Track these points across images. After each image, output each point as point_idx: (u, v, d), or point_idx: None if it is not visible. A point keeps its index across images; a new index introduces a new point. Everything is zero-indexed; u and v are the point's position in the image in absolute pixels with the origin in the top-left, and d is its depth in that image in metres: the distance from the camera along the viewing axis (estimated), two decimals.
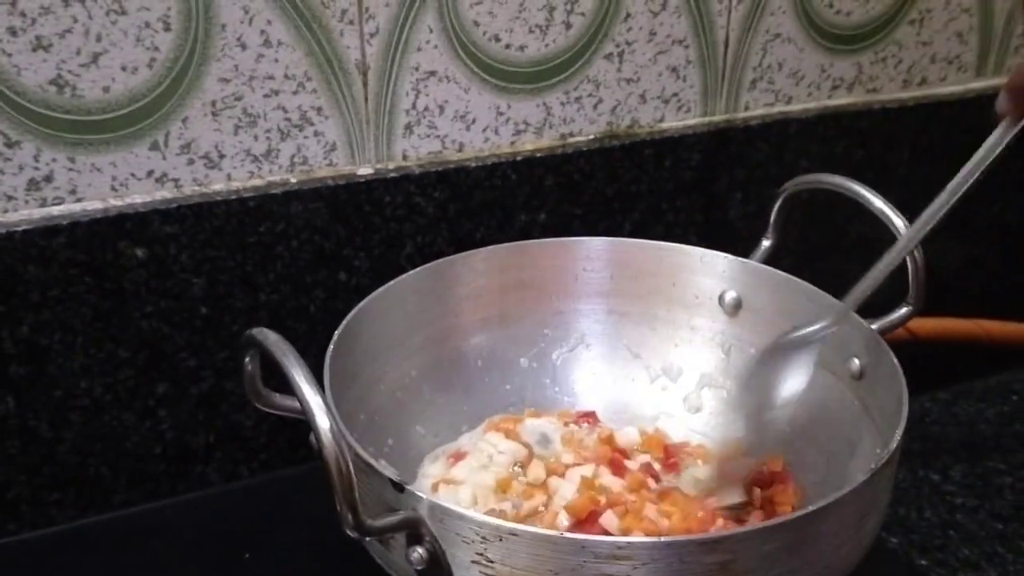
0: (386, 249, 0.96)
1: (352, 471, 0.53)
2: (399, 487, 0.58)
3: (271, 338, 0.57)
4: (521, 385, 0.90)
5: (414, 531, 0.58)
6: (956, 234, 1.25)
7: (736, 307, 0.87)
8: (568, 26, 0.99)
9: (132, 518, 0.91)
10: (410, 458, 0.82)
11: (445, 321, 0.86)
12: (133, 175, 0.87)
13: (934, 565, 0.83)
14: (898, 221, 0.76)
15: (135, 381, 0.90)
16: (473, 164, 0.97)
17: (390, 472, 0.59)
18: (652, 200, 1.07)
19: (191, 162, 0.89)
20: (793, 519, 0.56)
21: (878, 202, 0.78)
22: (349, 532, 0.54)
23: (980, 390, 1.06)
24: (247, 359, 0.63)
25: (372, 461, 0.60)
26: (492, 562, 0.56)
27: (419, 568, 0.58)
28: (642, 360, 0.90)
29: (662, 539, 0.54)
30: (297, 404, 0.64)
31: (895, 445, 0.62)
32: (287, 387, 0.57)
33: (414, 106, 0.96)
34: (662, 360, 0.90)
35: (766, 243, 0.88)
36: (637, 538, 0.54)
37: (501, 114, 1.00)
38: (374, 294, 0.79)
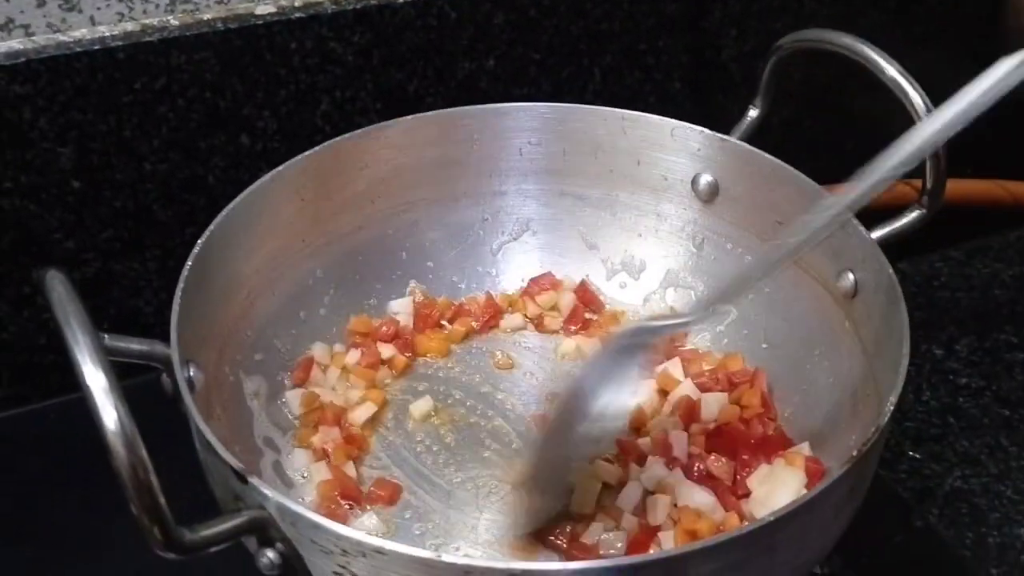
0: (297, 106, 0.82)
1: (152, 477, 0.41)
2: (242, 478, 0.46)
3: (57, 292, 0.43)
4: (453, 281, 0.77)
5: (263, 533, 0.46)
6: None
7: (712, 193, 0.73)
8: None
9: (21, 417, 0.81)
10: None
11: (358, 210, 0.73)
12: None
13: (928, 459, 0.75)
14: (916, 97, 0.62)
15: (4, 267, 0.79)
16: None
17: (233, 460, 0.46)
18: (628, 40, 0.91)
19: (42, 3, 0.74)
20: (734, 537, 0.44)
21: (892, 71, 0.63)
22: (160, 552, 0.42)
23: (998, 248, 0.96)
24: None
25: (215, 442, 0.48)
26: None
27: (271, 574, 0.47)
28: (599, 252, 0.78)
29: (569, 566, 0.42)
30: (139, 348, 0.53)
31: (884, 422, 0.49)
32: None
33: None
34: (622, 253, 0.78)
35: (753, 113, 0.73)
36: (535, 565, 0.42)
37: None
38: (256, 184, 0.66)
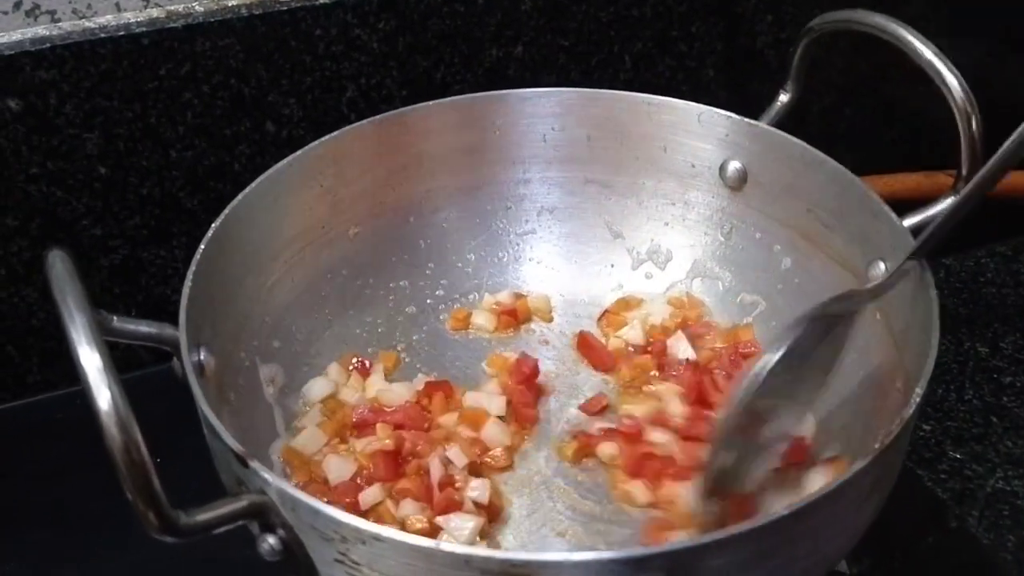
0: (322, 93, 0.81)
1: (146, 458, 0.40)
2: (243, 462, 0.45)
3: (56, 270, 0.43)
4: (477, 268, 0.76)
5: (264, 519, 0.45)
6: None
7: (740, 180, 0.71)
8: None
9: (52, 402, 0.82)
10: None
11: (378, 197, 0.72)
12: None
13: (969, 460, 0.72)
14: (952, 80, 0.59)
15: (31, 253, 0.78)
16: None
17: (235, 443, 0.46)
18: (659, 26, 0.89)
19: None
20: (749, 530, 0.42)
21: (927, 52, 0.59)
22: (155, 535, 0.41)
23: None
24: None
25: (218, 425, 0.47)
26: (358, 564, 0.44)
27: (273, 559, 0.46)
28: (624, 241, 0.75)
29: (573, 556, 0.41)
30: (148, 330, 0.53)
31: (909, 414, 0.47)
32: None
33: None
34: (648, 242, 0.75)
35: (784, 98, 0.70)
36: (536, 555, 0.41)
37: None
38: (273, 169, 0.65)
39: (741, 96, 0.92)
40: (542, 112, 0.72)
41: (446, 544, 0.41)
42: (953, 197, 0.60)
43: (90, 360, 0.40)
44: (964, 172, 0.60)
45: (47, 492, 0.73)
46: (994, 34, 0.99)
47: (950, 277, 0.89)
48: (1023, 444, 0.72)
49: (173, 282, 0.83)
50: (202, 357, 0.56)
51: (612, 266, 0.75)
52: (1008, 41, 0.99)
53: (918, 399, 0.48)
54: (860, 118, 1.00)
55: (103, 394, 0.40)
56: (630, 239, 0.75)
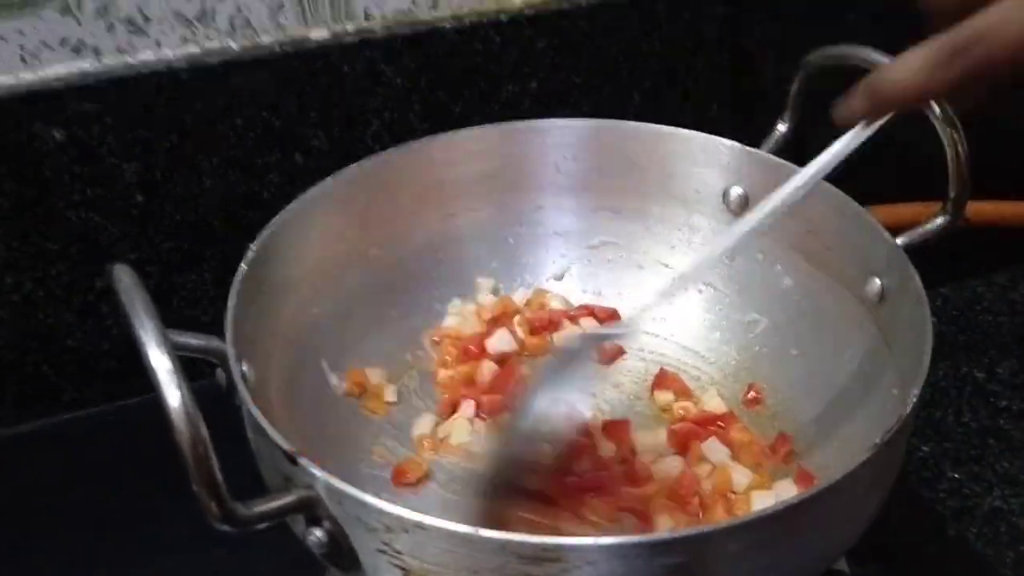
0: (348, 127, 0.84)
1: (211, 454, 0.43)
2: (292, 459, 0.49)
3: (124, 283, 0.46)
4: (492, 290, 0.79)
5: (311, 512, 0.49)
6: None
7: (742, 205, 0.74)
8: None
9: (85, 420, 0.85)
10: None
11: (402, 222, 0.75)
12: (45, 44, 0.76)
13: (968, 479, 0.75)
14: (937, 108, 0.62)
15: (69, 276, 0.82)
16: (448, 25, 0.84)
17: (283, 441, 0.49)
18: (667, 63, 0.92)
19: (111, 27, 0.77)
20: (762, 517, 0.46)
21: None
22: (216, 525, 0.45)
23: None
24: None
25: (265, 424, 0.50)
26: (400, 553, 0.48)
27: (320, 552, 0.49)
28: (633, 263, 0.79)
29: (600, 541, 0.45)
30: (197, 343, 0.56)
31: (907, 411, 0.51)
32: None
33: None
34: (656, 264, 0.79)
35: (782, 128, 0.74)
36: (567, 540, 0.45)
37: None
38: (306, 193, 0.68)
39: (745, 130, 0.96)
40: (557, 142, 0.76)
41: (484, 531, 0.45)
42: (943, 217, 0.64)
43: (161, 362, 0.44)
44: (952, 193, 0.64)
45: (79, 504, 0.76)
46: None
47: (947, 305, 0.92)
48: (1019, 464, 0.75)
49: (202, 304, 0.87)
50: (244, 369, 0.59)
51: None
52: None
53: (915, 399, 0.51)
54: (865, 150, 1.03)
55: (173, 394, 0.43)
56: (638, 261, 0.79)
